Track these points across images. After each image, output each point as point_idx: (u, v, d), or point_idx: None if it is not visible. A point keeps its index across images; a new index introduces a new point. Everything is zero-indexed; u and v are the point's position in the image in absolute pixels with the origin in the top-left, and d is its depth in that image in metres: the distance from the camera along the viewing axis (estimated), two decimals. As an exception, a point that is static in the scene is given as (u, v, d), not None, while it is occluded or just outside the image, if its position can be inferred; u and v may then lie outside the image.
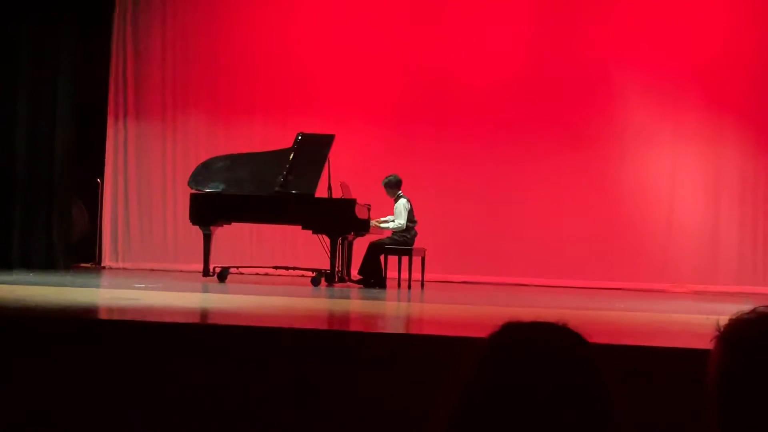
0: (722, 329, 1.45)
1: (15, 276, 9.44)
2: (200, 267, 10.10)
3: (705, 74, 11.48)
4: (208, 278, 9.94)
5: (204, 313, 6.83)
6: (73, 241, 11.77)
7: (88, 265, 12.04)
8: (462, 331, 5.53)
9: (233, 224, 10.40)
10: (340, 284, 10.00)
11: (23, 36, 11.27)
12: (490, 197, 11.69)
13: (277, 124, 11.86)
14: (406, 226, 10.09)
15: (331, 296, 8.88)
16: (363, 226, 9.91)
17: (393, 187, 10.23)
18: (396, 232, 10.11)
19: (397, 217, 10.12)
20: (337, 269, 9.93)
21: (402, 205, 10.11)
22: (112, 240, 12.22)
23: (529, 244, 11.52)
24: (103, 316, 6.57)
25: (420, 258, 10.11)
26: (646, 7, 11.55)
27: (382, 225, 10.14)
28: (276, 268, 10.77)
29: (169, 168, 12.28)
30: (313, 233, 9.92)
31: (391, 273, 10.04)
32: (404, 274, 9.93)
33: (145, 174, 12.32)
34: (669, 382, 4.17)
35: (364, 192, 10.22)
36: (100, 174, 12.24)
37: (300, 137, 10.24)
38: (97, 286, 9.42)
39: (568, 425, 1.28)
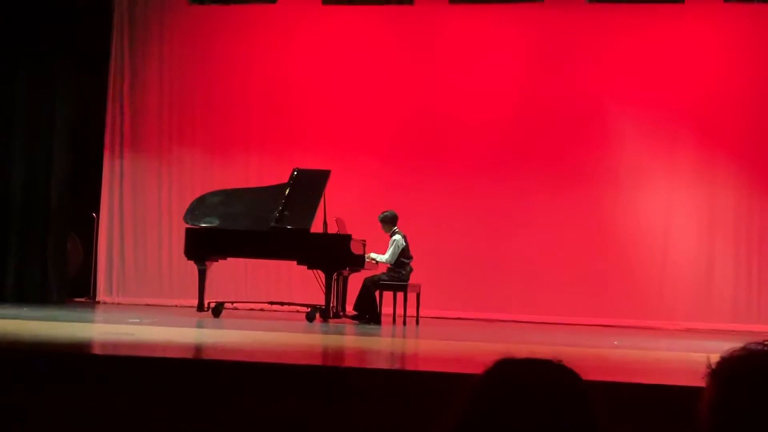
0: (714, 366, 1.46)
1: (9, 309, 9.41)
2: (195, 302, 10.08)
3: (698, 113, 11.54)
4: (203, 313, 9.92)
5: (198, 349, 6.81)
6: (68, 275, 11.75)
7: (83, 299, 12.01)
8: (456, 367, 5.52)
9: (228, 259, 10.39)
10: (335, 320, 9.97)
11: (20, 69, 11.33)
12: (485, 234, 11.70)
13: (273, 160, 11.89)
14: (402, 262, 10.08)
15: (326, 332, 8.86)
16: (358, 262, 9.91)
17: (389, 222, 10.22)
18: (391, 267, 10.10)
19: (386, 253, 10.11)
20: (332, 305, 9.90)
21: (395, 241, 10.10)
22: (107, 274, 12.20)
23: (524, 281, 11.52)
24: (97, 351, 6.55)
25: (415, 294, 10.09)
26: (639, 47, 11.63)
27: (372, 255, 10.14)
28: (271, 303, 10.75)
29: (165, 203, 12.29)
30: (308, 269, 9.92)
31: (386, 309, 10.02)
32: (399, 310, 9.90)
33: (141, 208, 12.33)
34: (663, 420, 4.16)
35: (359, 227, 10.22)
36: (96, 208, 12.25)
37: (296, 172, 10.27)
38: (92, 321, 9.40)
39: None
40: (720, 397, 1.42)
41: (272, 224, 9.94)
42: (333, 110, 12.06)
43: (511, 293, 11.49)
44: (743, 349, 1.45)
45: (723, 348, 1.49)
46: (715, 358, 1.46)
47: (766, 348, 1.44)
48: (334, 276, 9.95)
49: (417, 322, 10.07)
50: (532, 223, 11.65)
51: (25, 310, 9.50)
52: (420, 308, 10.15)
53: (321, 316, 9.75)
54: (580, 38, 11.78)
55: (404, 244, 10.11)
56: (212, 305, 9.99)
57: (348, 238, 9.78)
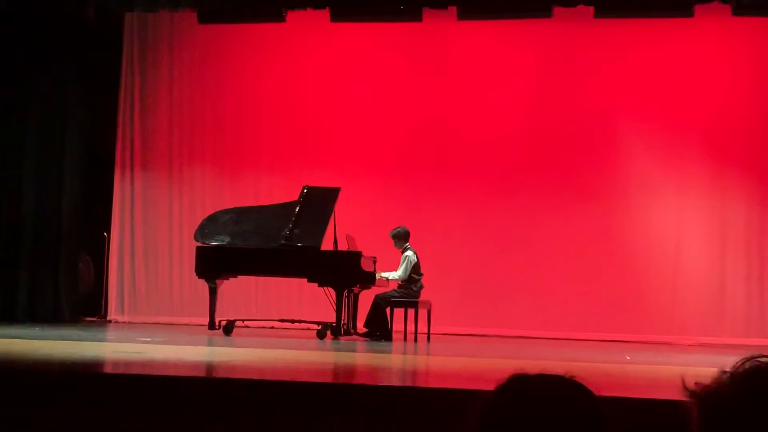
0: (695, 390, 1.43)
1: (21, 329, 9.43)
2: (206, 320, 10.08)
3: (708, 126, 11.53)
4: (214, 331, 9.91)
5: (209, 367, 6.81)
6: (80, 294, 11.78)
7: (94, 318, 12.03)
8: (468, 383, 5.50)
9: (239, 277, 10.40)
10: (345, 337, 9.96)
11: (32, 91, 11.39)
12: (495, 250, 11.69)
13: (282, 177, 11.92)
14: (413, 278, 10.08)
15: (337, 349, 8.84)
16: (369, 279, 9.90)
17: (401, 239, 10.23)
18: (402, 284, 10.10)
19: (399, 269, 10.11)
20: (342, 322, 9.89)
21: (407, 257, 10.11)
22: (118, 293, 12.23)
23: (535, 297, 11.50)
24: (108, 370, 6.55)
25: (426, 310, 10.08)
26: (648, 61, 11.64)
27: (384, 274, 10.14)
28: (282, 321, 10.75)
29: (176, 221, 12.32)
30: (318, 286, 9.91)
31: (398, 326, 10.01)
32: (410, 327, 9.89)
33: (152, 228, 12.36)
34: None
35: (369, 244, 10.22)
36: (107, 228, 12.29)
37: (306, 190, 10.28)
38: (103, 340, 9.40)
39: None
40: (725, 410, 1.41)
41: (283, 242, 9.94)
42: (342, 127, 12.09)
43: (522, 309, 11.47)
44: (724, 372, 1.42)
45: (735, 362, 1.47)
46: (690, 379, 1.44)
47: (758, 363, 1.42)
48: (345, 293, 9.94)
49: (428, 339, 10.05)
50: (542, 238, 11.64)
51: (37, 330, 9.52)
52: (431, 325, 10.14)
53: (332, 333, 9.75)
54: (588, 53, 11.80)
55: (416, 260, 10.11)
56: (223, 323, 9.99)
57: (358, 254, 9.78)
